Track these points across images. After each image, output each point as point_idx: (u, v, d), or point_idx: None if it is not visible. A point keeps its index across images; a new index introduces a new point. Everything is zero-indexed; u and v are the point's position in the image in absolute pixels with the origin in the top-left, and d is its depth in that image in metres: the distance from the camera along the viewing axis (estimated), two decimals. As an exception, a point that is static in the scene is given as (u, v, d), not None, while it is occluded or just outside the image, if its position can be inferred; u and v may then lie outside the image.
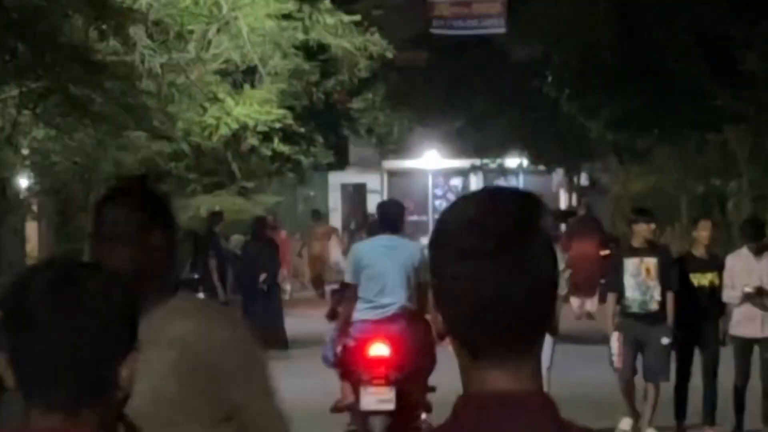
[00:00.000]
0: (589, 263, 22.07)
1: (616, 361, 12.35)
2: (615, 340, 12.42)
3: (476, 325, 1.86)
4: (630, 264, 12.51)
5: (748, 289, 12.21)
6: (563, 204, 36.06)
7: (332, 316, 11.12)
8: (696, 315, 12.47)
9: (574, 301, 22.77)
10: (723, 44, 21.15)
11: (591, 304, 24.06)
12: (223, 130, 18.21)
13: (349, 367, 10.19)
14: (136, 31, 16.19)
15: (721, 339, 12.63)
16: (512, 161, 36.96)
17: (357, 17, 19.44)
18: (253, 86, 18.97)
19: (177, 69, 17.34)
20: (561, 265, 13.24)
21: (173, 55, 17.12)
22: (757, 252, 12.51)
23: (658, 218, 14.76)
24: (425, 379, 10.15)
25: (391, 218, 10.14)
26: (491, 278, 1.85)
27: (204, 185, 20.66)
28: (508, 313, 1.85)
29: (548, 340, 12.97)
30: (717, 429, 12.39)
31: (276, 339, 18.66)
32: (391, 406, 10.01)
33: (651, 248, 12.71)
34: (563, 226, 25.74)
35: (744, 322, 12.26)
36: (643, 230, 12.81)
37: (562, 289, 13.39)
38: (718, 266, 12.50)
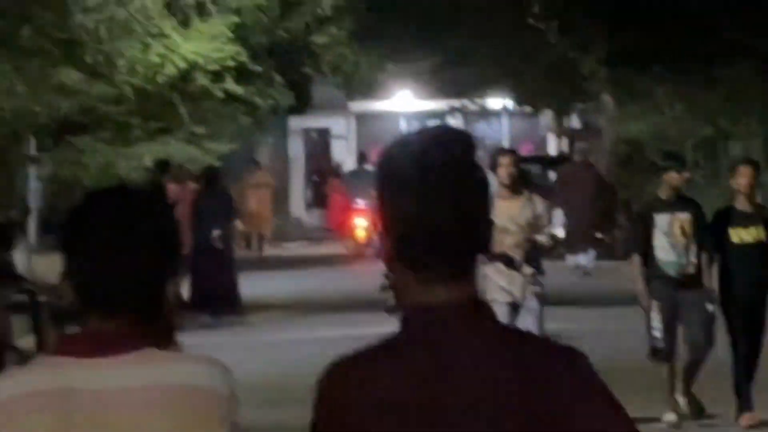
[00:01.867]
0: (584, 215, 22.07)
1: (659, 337, 11.72)
2: (656, 311, 11.74)
3: (420, 246, 2.39)
4: (661, 220, 11.89)
5: None
6: (553, 150, 36.56)
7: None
8: (741, 277, 11.89)
9: (569, 259, 22.71)
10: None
11: (586, 259, 23.98)
12: (170, 70, 19.14)
13: None
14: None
15: None
16: (495, 102, 37.15)
17: None
18: (203, 20, 19.45)
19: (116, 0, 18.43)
20: (547, 218, 13.08)
21: None
22: None
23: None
24: None
25: None
26: (433, 208, 2.39)
27: (149, 132, 20.57)
28: (449, 236, 2.40)
29: (535, 306, 11.64)
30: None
31: (229, 302, 18.51)
32: None
33: (683, 201, 12.15)
34: (552, 174, 26.51)
35: None
36: (674, 179, 12.10)
37: (548, 241, 12.97)
38: (764, 219, 11.81)
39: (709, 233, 12.01)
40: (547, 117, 36.88)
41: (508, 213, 12.32)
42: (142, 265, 2.79)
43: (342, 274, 25.50)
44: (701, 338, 11.77)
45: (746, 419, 11.59)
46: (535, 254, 12.89)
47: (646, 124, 28.32)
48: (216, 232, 18.22)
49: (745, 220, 11.96)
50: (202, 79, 20.14)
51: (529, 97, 33.59)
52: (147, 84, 19.64)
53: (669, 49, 23.93)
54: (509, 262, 12.43)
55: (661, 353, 11.85)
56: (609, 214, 25.60)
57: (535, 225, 12.70)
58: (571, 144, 32.96)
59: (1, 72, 18.31)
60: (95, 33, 18.27)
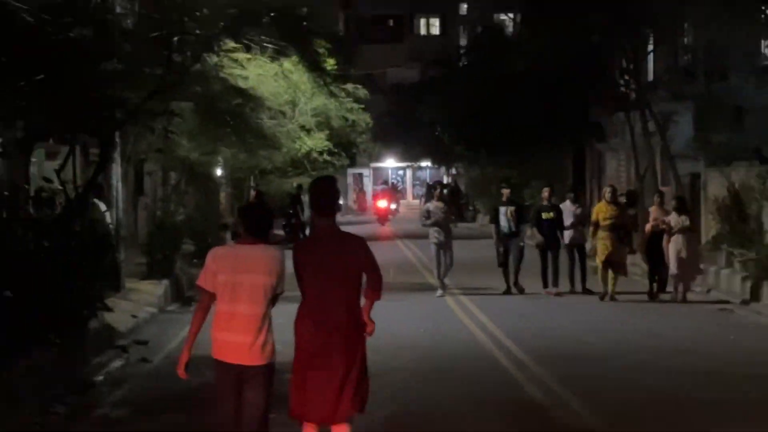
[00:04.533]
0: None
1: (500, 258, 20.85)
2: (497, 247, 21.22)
3: (318, 207, 7.98)
4: (502, 209, 20.59)
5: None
6: (445, 180, 60.68)
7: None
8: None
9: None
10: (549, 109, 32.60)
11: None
12: (303, 150, 30.49)
13: None
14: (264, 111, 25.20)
15: None
16: (424, 163, 62.77)
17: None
18: (318, 131, 30.46)
19: (282, 125, 27.31)
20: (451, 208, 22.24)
21: (280, 120, 27.17)
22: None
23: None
24: None
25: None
26: (325, 200, 8.00)
27: (296, 173, 34.17)
28: (329, 206, 8.01)
29: (449, 245, 20.85)
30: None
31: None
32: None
33: (510, 201, 20.80)
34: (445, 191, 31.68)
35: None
36: (505, 192, 21.08)
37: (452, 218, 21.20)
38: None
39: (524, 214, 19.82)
40: (443, 169, 63.15)
41: (440, 208, 20.58)
42: (263, 222, 7.81)
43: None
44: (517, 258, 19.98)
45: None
46: (447, 221, 20.59)
47: (481, 171, 47.29)
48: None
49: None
50: (315, 155, 30.83)
51: (436, 160, 57.46)
52: (295, 155, 30.08)
53: (492, 140, 37.14)
54: (438, 225, 20.47)
55: (502, 264, 20.38)
56: (460, 207, 44.35)
57: (448, 212, 20.76)
58: (452, 178, 56.95)
59: (232, 145, 24.92)
60: (276, 136, 26.27)
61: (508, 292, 20.59)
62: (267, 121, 25.31)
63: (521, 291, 20.48)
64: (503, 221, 20.53)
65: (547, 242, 20.43)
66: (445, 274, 20.68)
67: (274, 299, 7.58)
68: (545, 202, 20.78)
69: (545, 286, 20.55)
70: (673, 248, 19.26)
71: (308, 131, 29.86)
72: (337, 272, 7.64)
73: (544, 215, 20.55)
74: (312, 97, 28.58)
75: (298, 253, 7.83)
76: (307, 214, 32.94)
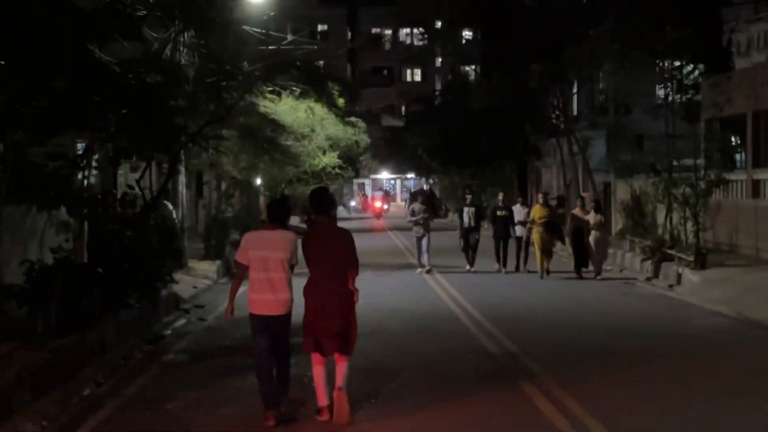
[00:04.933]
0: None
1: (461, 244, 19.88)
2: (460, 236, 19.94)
3: (317, 208, 7.74)
4: (466, 210, 20.24)
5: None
6: (425, 188, 60.72)
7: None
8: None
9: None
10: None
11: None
12: (320, 165, 30.14)
13: None
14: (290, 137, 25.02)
15: None
16: (410, 175, 64.75)
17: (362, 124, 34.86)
18: (330, 151, 30.27)
19: (304, 146, 27.27)
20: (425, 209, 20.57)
21: (302, 143, 26.90)
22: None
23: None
24: None
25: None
26: (322, 203, 7.77)
27: (315, 182, 31.25)
28: (324, 207, 7.75)
29: (427, 237, 20.26)
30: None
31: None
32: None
33: (472, 203, 20.29)
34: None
35: None
36: (468, 198, 20.66)
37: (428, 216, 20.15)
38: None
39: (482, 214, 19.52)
40: (423, 180, 62.14)
41: (421, 209, 20.07)
42: (281, 212, 7.63)
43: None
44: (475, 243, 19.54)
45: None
46: (426, 220, 20.10)
47: (450, 181, 47.07)
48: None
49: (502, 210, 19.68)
50: (329, 169, 30.16)
51: (418, 173, 57.79)
52: (314, 169, 29.62)
53: (459, 157, 38.35)
54: (420, 223, 20.07)
55: (464, 249, 19.73)
56: (436, 207, 42.93)
57: (427, 212, 20.12)
58: (430, 186, 56.58)
59: (266, 162, 24.45)
60: (299, 155, 26.17)
61: (469, 271, 20.29)
62: (292, 143, 25.00)
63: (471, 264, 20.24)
64: (466, 218, 20.26)
65: (500, 233, 20.24)
66: (423, 258, 20.44)
67: (291, 268, 7.70)
68: (500, 203, 20.55)
69: (498, 263, 20.31)
70: (592, 238, 19.18)
71: (324, 152, 29.71)
72: (332, 255, 7.65)
73: (499, 213, 20.34)
74: (327, 126, 28.33)
75: (305, 241, 7.81)
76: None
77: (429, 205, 21.34)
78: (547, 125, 29.78)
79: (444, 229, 32.82)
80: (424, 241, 20.12)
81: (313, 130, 27.29)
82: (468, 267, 20.36)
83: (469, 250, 20.28)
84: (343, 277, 7.68)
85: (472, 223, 20.01)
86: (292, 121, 24.43)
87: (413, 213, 20.26)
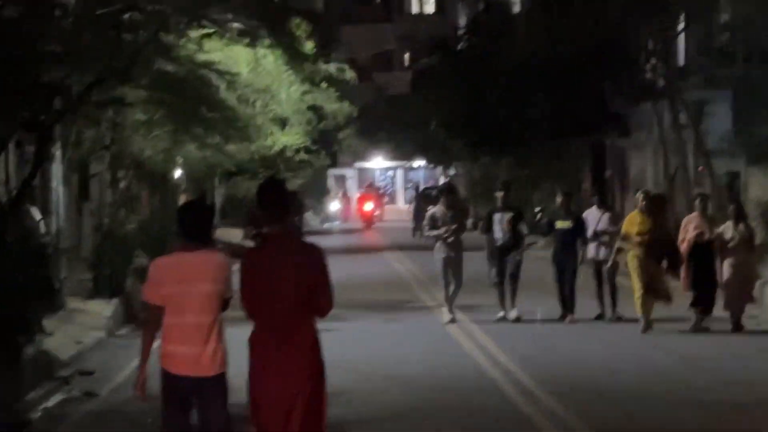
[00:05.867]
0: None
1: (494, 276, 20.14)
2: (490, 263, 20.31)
3: (267, 212, 7.88)
4: (497, 216, 19.89)
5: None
6: (441, 182, 61.32)
7: None
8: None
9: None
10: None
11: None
12: (276, 147, 31.29)
13: None
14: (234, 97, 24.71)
15: None
16: (417, 162, 65.07)
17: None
18: (291, 127, 31.08)
19: (254, 117, 27.28)
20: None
21: (254, 110, 27.08)
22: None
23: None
24: None
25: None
26: (272, 202, 7.85)
27: (267, 174, 31.19)
28: (281, 210, 7.83)
29: (460, 257, 19.65)
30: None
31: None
32: None
33: (508, 206, 20.14)
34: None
35: None
36: (499, 196, 20.28)
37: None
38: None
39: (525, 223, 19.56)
40: (439, 169, 63.24)
41: (448, 215, 19.50)
42: (202, 224, 8.16)
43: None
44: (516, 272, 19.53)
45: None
46: (458, 233, 19.45)
47: (482, 172, 48.26)
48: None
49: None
50: (290, 152, 32.35)
51: (431, 159, 58.46)
52: (266, 153, 31.22)
53: (495, 136, 39.05)
54: (445, 237, 19.33)
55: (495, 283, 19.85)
56: (466, 210, 41.57)
57: (459, 219, 19.78)
58: (448, 179, 56.28)
59: (196, 138, 24.71)
60: (247, 130, 26.14)
61: (504, 318, 19.57)
62: (242, 105, 25.13)
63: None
64: (498, 230, 19.51)
65: (561, 255, 19.47)
66: (451, 294, 19.52)
67: (224, 306, 8.03)
68: (559, 208, 19.91)
69: (562, 307, 19.50)
70: (729, 265, 18.08)
71: (283, 125, 29.89)
72: (287, 290, 7.63)
73: (560, 224, 19.59)
74: (289, 87, 28.07)
75: (244, 266, 7.81)
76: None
77: (457, 210, 20.22)
78: (637, 82, 29.08)
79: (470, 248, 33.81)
80: (454, 272, 19.12)
81: (269, 94, 27.25)
82: (501, 313, 19.57)
83: (505, 282, 19.53)
84: (306, 326, 7.69)
85: (509, 238, 19.14)
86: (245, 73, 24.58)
87: (433, 222, 19.27)
